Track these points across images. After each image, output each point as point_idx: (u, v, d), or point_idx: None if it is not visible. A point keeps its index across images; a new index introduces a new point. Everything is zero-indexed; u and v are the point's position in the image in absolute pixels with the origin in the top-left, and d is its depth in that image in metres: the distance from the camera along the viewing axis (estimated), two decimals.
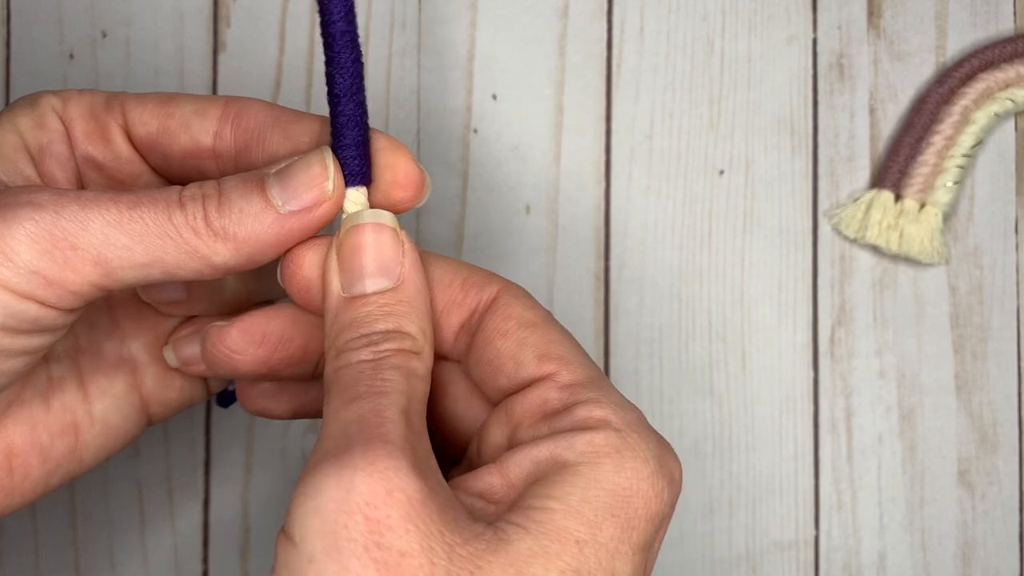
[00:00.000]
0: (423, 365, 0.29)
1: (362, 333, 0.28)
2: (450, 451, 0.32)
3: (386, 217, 0.29)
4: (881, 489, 0.43)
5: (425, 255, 0.31)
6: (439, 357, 0.31)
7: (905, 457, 0.43)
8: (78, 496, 0.42)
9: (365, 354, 0.28)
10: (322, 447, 0.26)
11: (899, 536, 0.43)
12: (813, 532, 0.43)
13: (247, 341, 0.31)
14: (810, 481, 0.43)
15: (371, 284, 0.29)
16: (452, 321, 0.30)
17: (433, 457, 0.27)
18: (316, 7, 0.43)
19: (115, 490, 0.42)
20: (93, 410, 0.32)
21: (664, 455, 0.28)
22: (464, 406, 0.32)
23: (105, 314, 0.33)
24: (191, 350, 0.33)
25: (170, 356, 0.33)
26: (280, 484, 0.42)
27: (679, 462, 0.29)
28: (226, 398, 0.37)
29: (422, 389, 0.28)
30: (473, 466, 0.30)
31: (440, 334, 0.31)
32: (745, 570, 0.43)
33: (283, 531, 0.26)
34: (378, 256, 0.29)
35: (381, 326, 0.28)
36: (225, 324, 0.31)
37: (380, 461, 0.25)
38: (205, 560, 0.42)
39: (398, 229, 0.29)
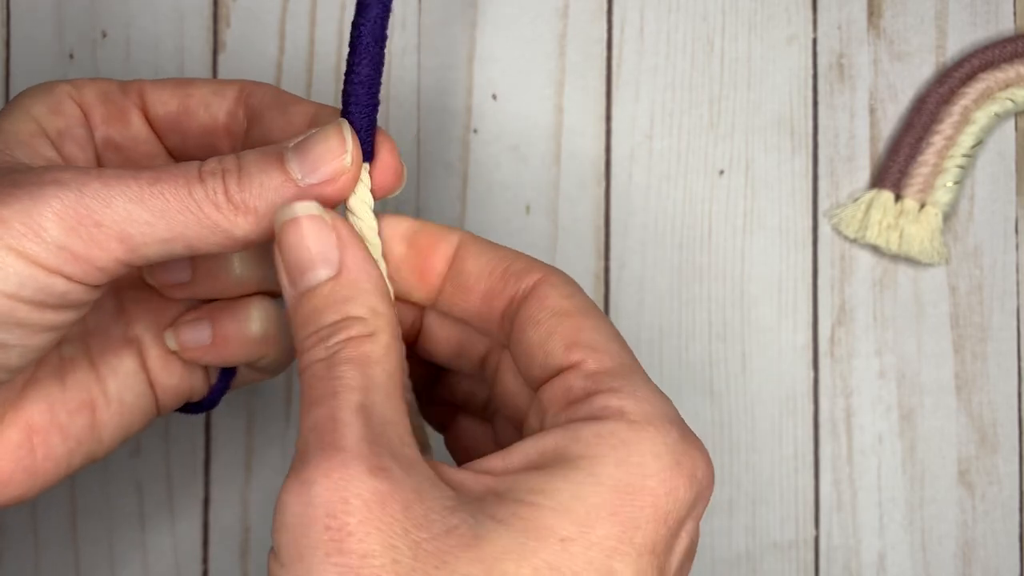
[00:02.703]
0: (379, 345, 0.28)
1: (312, 330, 0.28)
2: (510, 431, 0.32)
3: (312, 207, 0.29)
4: (881, 489, 0.43)
5: (472, 240, 0.31)
6: (497, 344, 0.32)
7: (905, 457, 0.43)
8: (78, 495, 0.42)
9: (319, 352, 0.28)
10: (294, 458, 0.27)
11: (899, 536, 0.43)
12: (813, 532, 0.43)
13: None
14: (810, 481, 0.43)
15: (313, 277, 0.29)
16: (495, 310, 0.30)
17: (408, 443, 0.27)
18: (316, 7, 0.43)
19: (115, 490, 0.42)
20: (107, 388, 0.33)
21: (685, 451, 0.27)
22: (514, 391, 0.31)
23: (111, 297, 0.33)
24: (191, 335, 0.33)
25: (170, 339, 0.33)
26: (280, 484, 0.42)
27: (706, 460, 0.28)
28: (206, 402, 0.36)
29: (384, 370, 0.28)
30: None
31: (487, 323, 0.31)
32: (745, 570, 0.43)
33: (271, 547, 0.26)
34: (313, 247, 0.29)
35: (329, 318, 0.28)
36: None
37: (334, 471, 0.25)
38: (205, 560, 0.42)
39: (325, 215, 0.29)
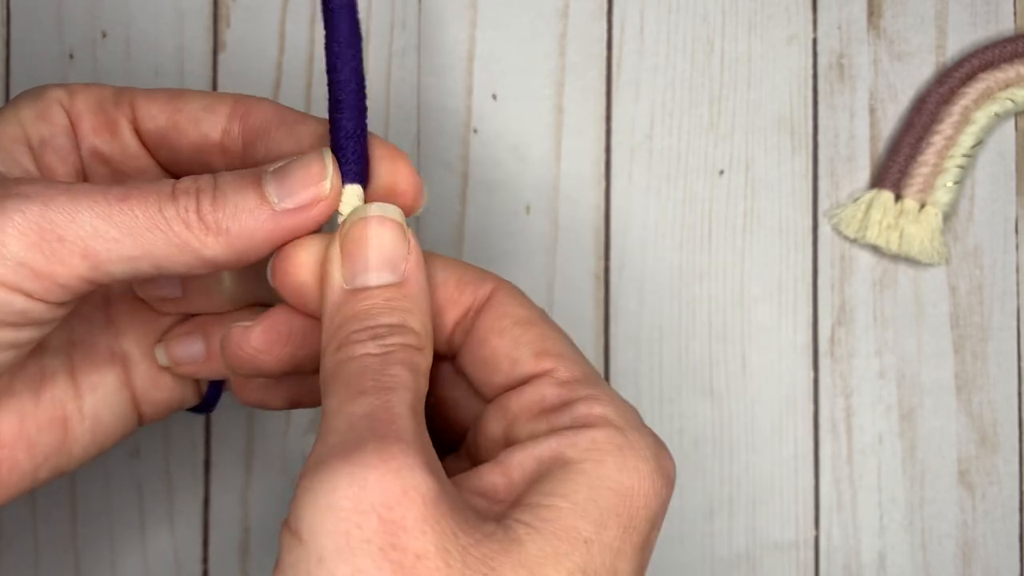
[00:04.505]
0: (425, 362, 0.28)
1: (367, 325, 0.28)
2: (443, 443, 0.32)
3: (393, 211, 0.29)
4: (881, 489, 0.43)
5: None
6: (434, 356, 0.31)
7: (905, 457, 0.43)
8: (78, 496, 0.42)
9: (371, 347, 0.27)
10: (327, 442, 0.26)
11: (899, 536, 0.43)
12: (813, 532, 0.43)
13: (273, 340, 0.30)
14: (810, 481, 0.43)
15: (375, 277, 0.28)
16: (447, 319, 0.30)
17: (436, 454, 0.27)
18: (316, 7, 0.43)
19: (115, 490, 0.42)
20: (83, 405, 0.32)
21: (661, 454, 0.28)
22: (456, 401, 0.31)
23: (100, 309, 0.33)
24: (183, 350, 0.33)
25: (160, 355, 0.33)
26: (280, 484, 0.42)
27: (673, 461, 0.29)
28: (204, 404, 0.36)
29: (425, 386, 0.28)
30: (471, 457, 0.30)
31: (436, 333, 0.30)
32: (745, 570, 0.43)
33: (288, 527, 0.25)
34: (383, 250, 0.29)
35: (386, 320, 0.28)
36: (248, 324, 0.30)
37: (394, 459, 0.25)
38: (205, 560, 0.42)
39: (404, 225, 0.29)
